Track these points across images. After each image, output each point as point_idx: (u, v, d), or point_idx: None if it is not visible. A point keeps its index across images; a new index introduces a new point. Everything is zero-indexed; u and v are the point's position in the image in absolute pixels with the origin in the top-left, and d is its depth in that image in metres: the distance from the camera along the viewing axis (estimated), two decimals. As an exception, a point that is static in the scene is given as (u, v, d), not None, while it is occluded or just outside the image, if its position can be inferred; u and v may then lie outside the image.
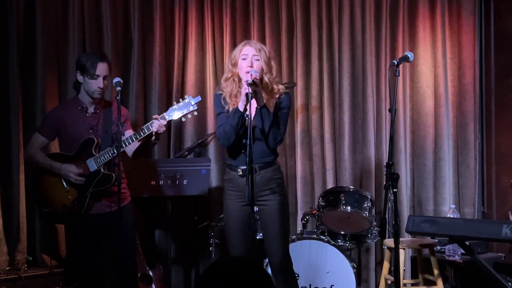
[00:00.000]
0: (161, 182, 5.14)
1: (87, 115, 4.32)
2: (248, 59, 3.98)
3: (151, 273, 5.06)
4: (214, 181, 5.73)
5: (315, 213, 5.17)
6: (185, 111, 4.10)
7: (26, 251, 5.31)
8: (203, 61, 5.78)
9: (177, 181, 5.16)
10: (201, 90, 5.74)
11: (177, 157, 5.60)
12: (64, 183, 4.28)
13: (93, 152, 4.22)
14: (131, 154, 4.38)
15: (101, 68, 4.25)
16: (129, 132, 4.29)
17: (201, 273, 1.99)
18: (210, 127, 5.71)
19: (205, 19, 5.77)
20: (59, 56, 5.53)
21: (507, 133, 5.48)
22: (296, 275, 4.33)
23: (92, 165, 4.22)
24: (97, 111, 4.33)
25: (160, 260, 5.33)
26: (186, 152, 5.67)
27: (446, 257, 4.99)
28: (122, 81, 4.11)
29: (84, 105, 4.32)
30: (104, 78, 4.27)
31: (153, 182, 5.16)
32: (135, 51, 5.65)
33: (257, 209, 4.16)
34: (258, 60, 3.99)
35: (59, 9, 5.53)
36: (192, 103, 4.11)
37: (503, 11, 5.57)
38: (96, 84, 4.25)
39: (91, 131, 4.29)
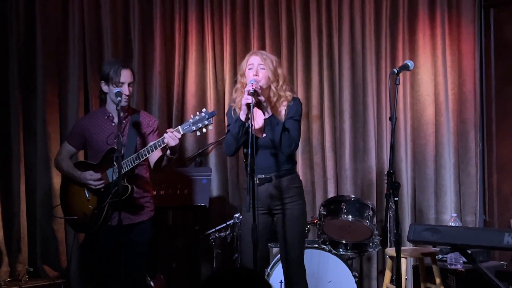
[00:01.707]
0: (162, 192, 5.13)
1: (113, 124, 4.27)
2: (254, 68, 4.02)
3: (152, 284, 5.05)
4: (215, 191, 5.72)
5: (316, 222, 5.16)
6: (200, 125, 4.03)
7: (27, 262, 5.32)
8: (203, 70, 5.79)
9: (178, 191, 5.15)
10: (201, 100, 5.76)
11: (177, 167, 5.60)
12: (86, 192, 4.29)
13: (115, 162, 4.20)
14: (152, 166, 4.35)
15: (125, 75, 4.22)
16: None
17: (206, 280, 1.97)
18: (211, 137, 5.71)
19: (205, 29, 5.79)
20: (59, 66, 5.54)
21: (508, 141, 5.48)
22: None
23: (111, 175, 4.19)
24: (123, 121, 4.29)
25: (161, 271, 5.32)
26: (187, 162, 5.67)
27: (448, 265, 4.98)
28: (122, 92, 4.11)
29: (110, 115, 4.29)
30: (129, 84, 4.23)
31: (153, 192, 5.14)
32: (135, 61, 5.66)
33: (274, 218, 4.16)
34: (264, 69, 4.02)
35: (59, 19, 5.55)
36: (207, 118, 4.02)
37: (503, 19, 5.57)
38: (121, 92, 4.18)
39: (115, 140, 4.26)
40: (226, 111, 4.54)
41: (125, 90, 4.21)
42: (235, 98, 4.14)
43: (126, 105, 4.24)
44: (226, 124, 4.19)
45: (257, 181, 3.99)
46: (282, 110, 4.08)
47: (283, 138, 3.97)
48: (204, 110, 4.05)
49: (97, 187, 4.22)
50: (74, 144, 4.44)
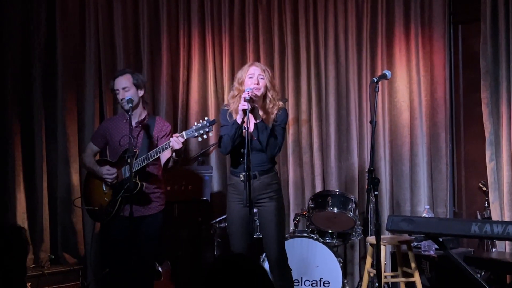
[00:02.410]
0: (169, 188, 5.12)
1: (130, 127, 4.27)
2: (254, 78, 4.03)
3: (160, 269, 5.04)
4: (215, 186, 5.72)
5: (306, 214, 5.16)
6: (201, 132, 4.04)
7: (49, 250, 5.32)
8: (205, 80, 5.78)
9: (183, 187, 5.14)
10: (203, 106, 5.75)
11: (183, 166, 5.58)
12: (104, 187, 4.33)
13: (127, 160, 4.20)
14: (162, 165, 4.36)
15: (117, 82, 4.28)
16: None
17: (209, 267, 1.97)
18: (212, 139, 5.69)
19: (207, 43, 5.78)
20: (77, 77, 5.55)
21: (475, 141, 5.48)
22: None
23: (125, 172, 4.21)
24: (140, 125, 4.31)
25: (168, 257, 5.31)
26: (191, 161, 5.66)
27: (422, 252, 4.98)
28: (133, 99, 4.14)
29: (128, 118, 4.30)
30: (123, 89, 4.25)
31: (168, 188, 5.12)
32: (145, 72, 5.65)
33: (256, 210, 4.16)
34: (263, 79, 4.04)
35: (77, 35, 5.55)
36: (208, 125, 4.03)
37: (469, 34, 5.59)
38: (119, 98, 4.27)
39: (128, 139, 4.26)
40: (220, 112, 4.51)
41: (120, 95, 4.26)
42: (231, 103, 4.13)
43: (128, 108, 4.20)
44: (221, 125, 4.17)
45: (242, 178, 4.00)
46: (273, 116, 4.09)
47: (270, 141, 3.99)
48: (206, 118, 4.06)
49: (107, 179, 4.26)
50: (97, 143, 4.49)
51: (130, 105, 4.11)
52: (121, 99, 4.26)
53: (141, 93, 4.35)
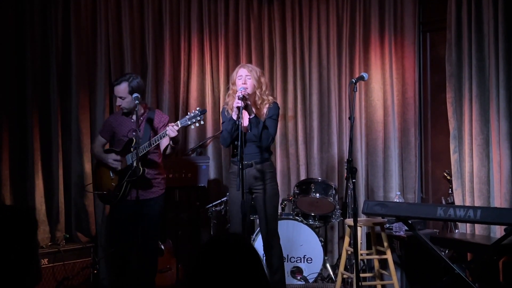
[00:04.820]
0: (171, 176, 5.10)
1: (132, 121, 4.30)
2: (242, 78, 4.05)
3: (163, 247, 5.03)
4: (212, 174, 5.70)
5: (291, 199, 5.16)
6: (194, 120, 4.05)
7: (64, 230, 5.29)
8: (203, 80, 5.76)
9: (183, 175, 5.13)
10: (201, 103, 5.72)
11: (183, 156, 5.57)
12: (111, 173, 4.30)
13: (132, 149, 4.20)
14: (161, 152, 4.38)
15: (116, 90, 4.29)
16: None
17: (202, 245, 1.94)
18: (209, 132, 5.69)
19: (205, 48, 5.75)
20: (89, 76, 5.50)
21: (440, 136, 5.50)
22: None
23: (129, 159, 4.23)
24: (141, 118, 4.31)
25: (170, 236, 5.29)
26: (190, 152, 5.64)
27: (394, 232, 4.98)
28: (140, 96, 4.12)
29: (129, 114, 4.35)
30: (121, 98, 4.26)
31: (170, 175, 5.11)
32: (150, 72, 5.62)
33: (254, 196, 4.15)
34: (250, 78, 4.04)
35: (90, 40, 5.50)
36: (200, 114, 4.05)
37: (436, 41, 5.59)
38: (117, 103, 4.31)
39: (134, 133, 4.26)
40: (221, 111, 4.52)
41: (118, 102, 4.30)
42: (228, 102, 4.14)
43: (125, 111, 4.33)
44: (221, 121, 4.21)
45: (241, 166, 3.99)
46: (264, 110, 4.09)
47: (263, 133, 3.99)
48: (197, 108, 4.12)
49: (114, 166, 4.27)
50: (104, 136, 4.51)
51: (137, 102, 4.09)
52: (118, 105, 4.32)
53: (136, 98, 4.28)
